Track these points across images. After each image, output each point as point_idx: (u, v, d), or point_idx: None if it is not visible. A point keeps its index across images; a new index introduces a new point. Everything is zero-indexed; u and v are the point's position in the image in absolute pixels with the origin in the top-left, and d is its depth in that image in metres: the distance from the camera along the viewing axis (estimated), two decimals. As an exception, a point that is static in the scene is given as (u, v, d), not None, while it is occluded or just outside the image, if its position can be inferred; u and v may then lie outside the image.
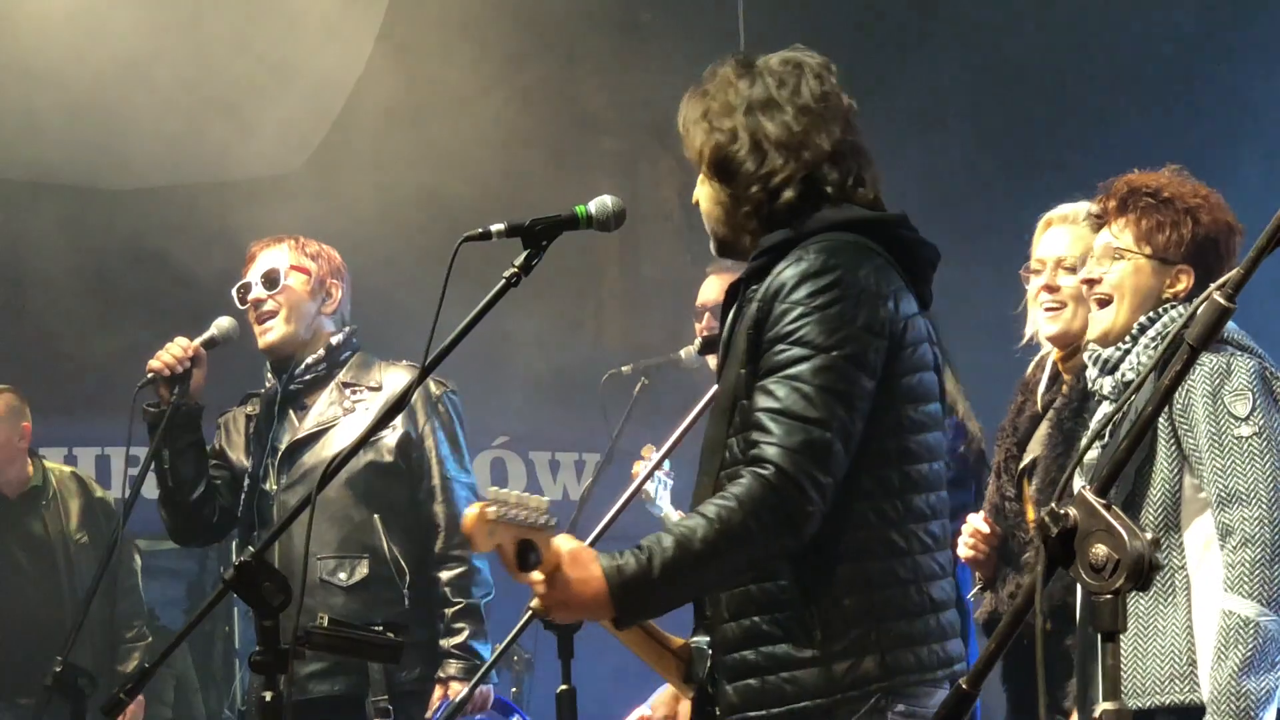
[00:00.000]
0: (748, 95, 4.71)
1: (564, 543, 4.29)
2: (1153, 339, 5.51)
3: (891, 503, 4.64)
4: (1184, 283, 5.55)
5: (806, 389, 4.43)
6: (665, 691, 5.11)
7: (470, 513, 4.12)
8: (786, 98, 4.70)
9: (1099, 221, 5.70)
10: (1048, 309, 5.80)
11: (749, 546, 4.37)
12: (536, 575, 4.23)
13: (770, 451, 4.38)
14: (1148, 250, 5.55)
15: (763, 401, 4.47)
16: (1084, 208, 6.05)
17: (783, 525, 4.37)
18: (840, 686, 4.54)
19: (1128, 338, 5.56)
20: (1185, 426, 5.38)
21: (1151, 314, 5.55)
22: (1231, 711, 5.16)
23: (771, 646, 4.58)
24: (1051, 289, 5.87)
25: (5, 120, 10.91)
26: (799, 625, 4.56)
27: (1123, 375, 5.53)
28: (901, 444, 4.65)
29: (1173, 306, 5.53)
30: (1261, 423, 5.31)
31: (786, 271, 4.53)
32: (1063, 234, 6.03)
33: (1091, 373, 5.72)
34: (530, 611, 5.67)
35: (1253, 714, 5.17)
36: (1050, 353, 6.15)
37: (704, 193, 4.82)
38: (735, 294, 4.82)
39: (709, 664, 4.71)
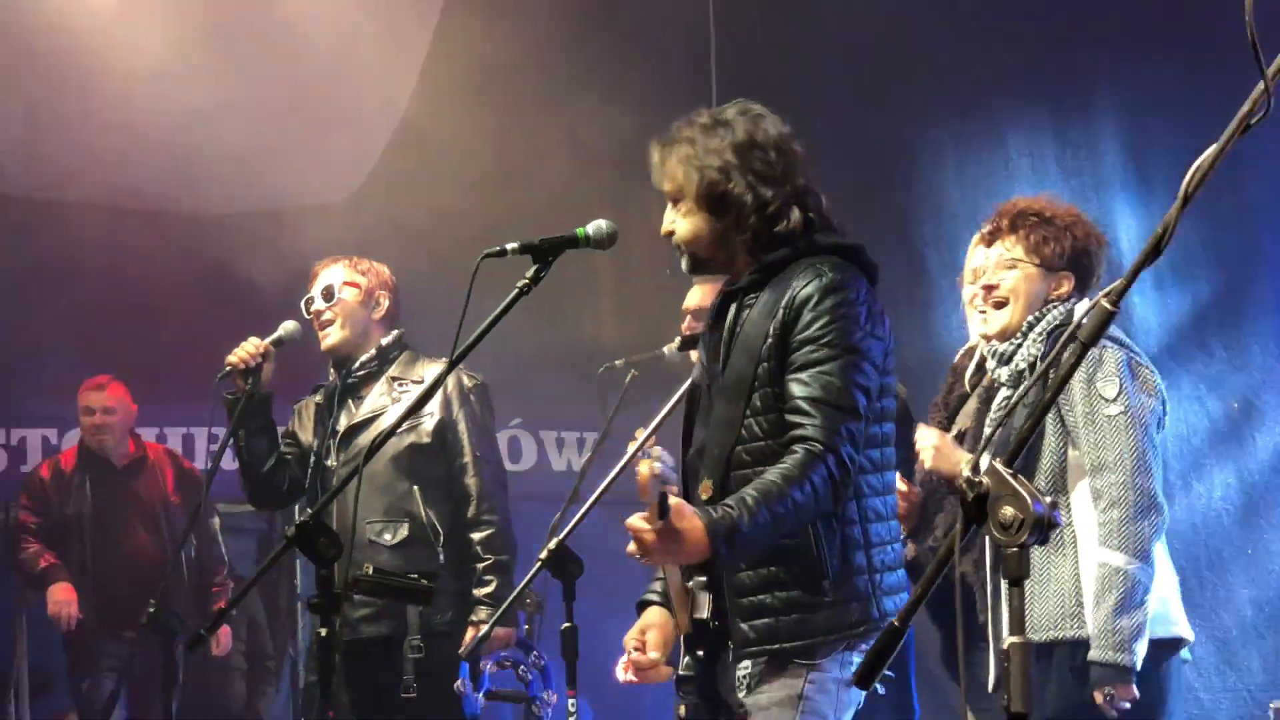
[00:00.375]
0: (732, 140, 4.73)
1: (680, 501, 4.35)
2: (1039, 334, 5.60)
3: (877, 476, 4.75)
4: (1066, 286, 5.68)
5: (838, 382, 4.53)
6: (654, 614, 5.03)
7: (652, 468, 4.18)
8: (763, 140, 4.75)
9: (991, 238, 5.78)
10: (982, 310, 5.84)
11: (811, 509, 4.46)
12: (659, 524, 4.27)
13: (816, 433, 4.47)
14: (1036, 260, 5.66)
15: (801, 391, 4.54)
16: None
17: (833, 493, 4.49)
18: (845, 625, 4.61)
19: (1019, 334, 5.66)
20: (1066, 407, 5.48)
21: (1038, 313, 5.65)
22: (1110, 645, 5.24)
23: (787, 592, 4.61)
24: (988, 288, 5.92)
25: (112, 160, 10.90)
26: (811, 575, 4.59)
27: (1016, 365, 5.63)
28: (882, 430, 4.76)
29: (1054, 306, 5.64)
30: (1127, 403, 5.43)
31: (809, 286, 4.59)
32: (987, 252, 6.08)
33: (991, 364, 5.82)
34: (540, 562, 5.73)
35: (1127, 647, 5.23)
36: (978, 343, 6.17)
37: (688, 223, 4.80)
38: (727, 299, 4.85)
39: (711, 605, 4.69)
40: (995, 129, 11.48)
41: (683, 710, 4.82)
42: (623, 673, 6.52)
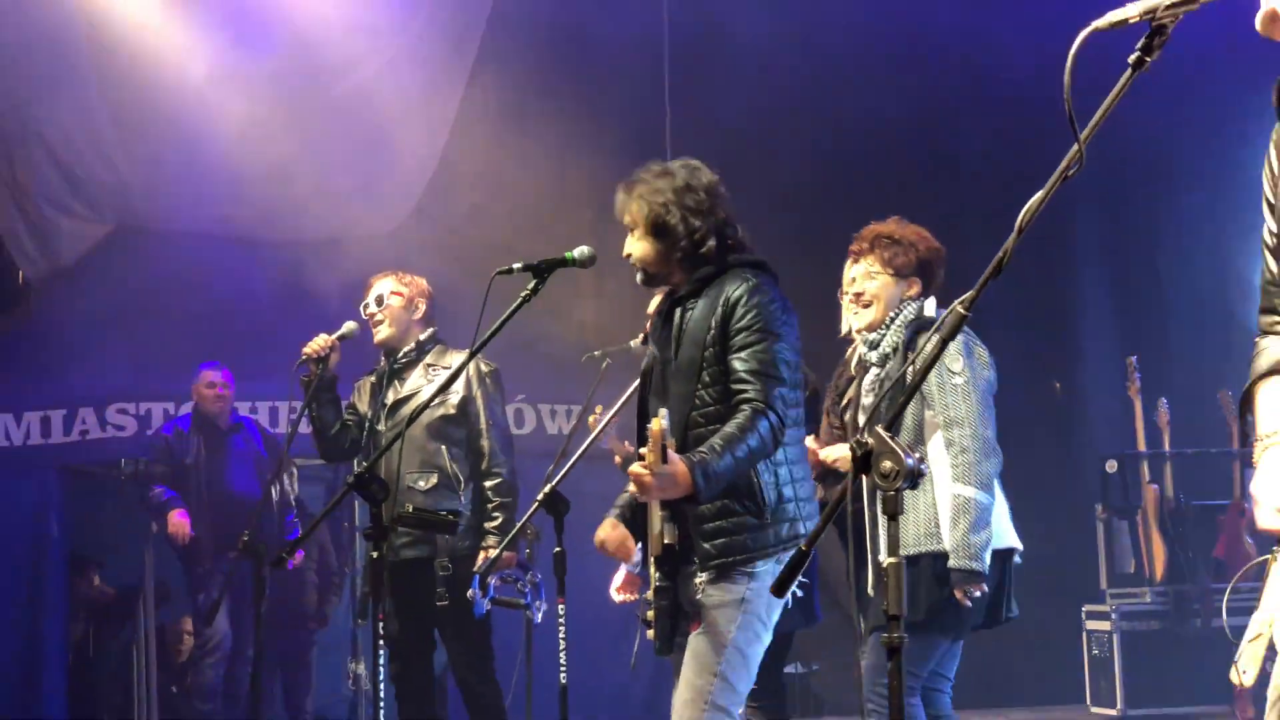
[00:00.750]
0: (673, 185, 4.86)
1: (673, 451, 4.49)
2: (899, 325, 5.72)
3: (795, 431, 4.83)
4: (915, 288, 5.78)
5: (769, 358, 4.69)
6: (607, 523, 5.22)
7: (661, 425, 4.39)
8: (696, 186, 4.86)
9: (857, 256, 5.85)
10: (855, 311, 5.90)
11: (759, 452, 4.62)
12: (659, 462, 4.40)
13: (758, 395, 4.63)
14: (890, 271, 5.76)
15: (742, 366, 4.68)
16: None
17: (772, 440, 4.63)
18: (778, 542, 4.72)
19: (882, 327, 5.76)
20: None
21: (895, 311, 5.75)
22: (965, 555, 5.34)
23: (738, 518, 4.70)
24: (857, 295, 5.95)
25: (213, 198, 10.88)
26: (754, 504, 4.70)
27: (883, 350, 5.73)
28: (797, 396, 4.83)
29: (908, 304, 5.76)
30: (968, 375, 5.54)
31: (740, 289, 4.76)
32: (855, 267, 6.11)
33: (863, 349, 5.91)
34: (537, 503, 5.79)
35: (978, 556, 5.36)
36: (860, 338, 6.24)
37: (639, 247, 4.92)
38: (673, 305, 4.94)
39: (672, 534, 4.74)
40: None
41: (649, 615, 4.85)
42: (616, 594, 6.59)
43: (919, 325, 5.67)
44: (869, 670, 5.55)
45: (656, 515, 4.72)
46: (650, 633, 4.88)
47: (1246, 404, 2.95)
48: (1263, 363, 2.93)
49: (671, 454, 4.44)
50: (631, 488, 4.61)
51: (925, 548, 5.47)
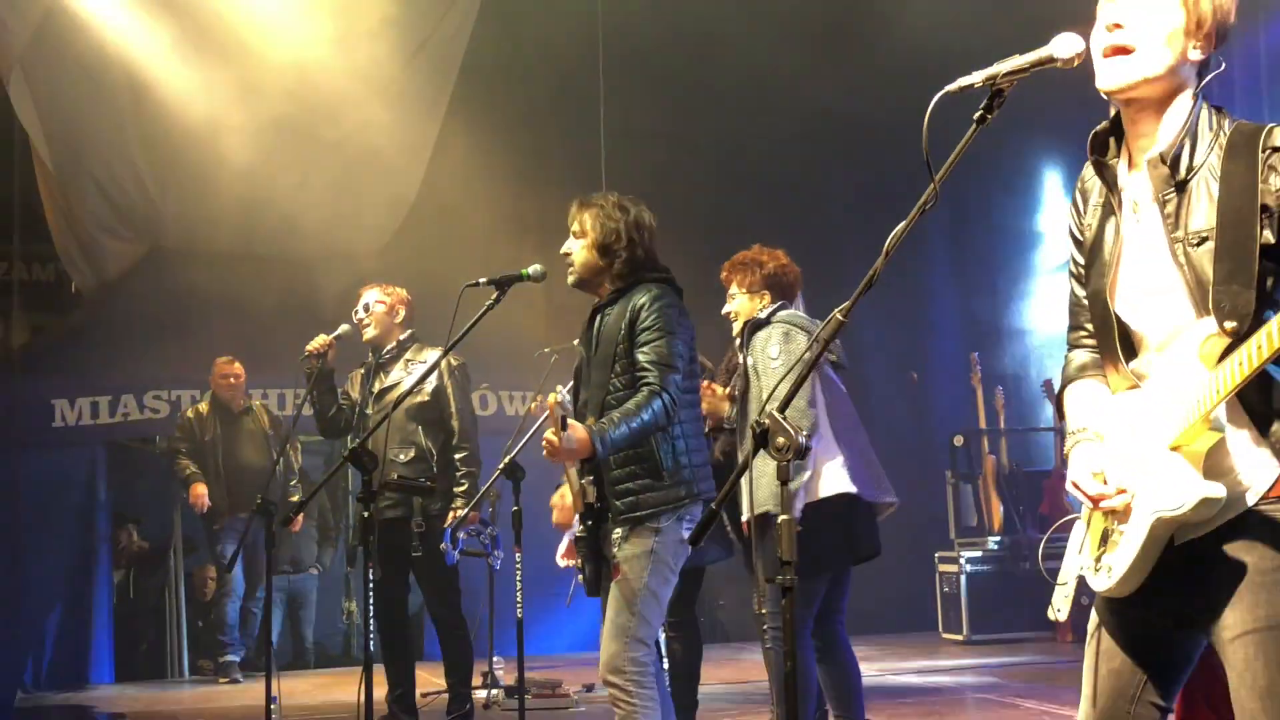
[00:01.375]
0: (626, 218, 4.92)
1: (572, 420, 4.60)
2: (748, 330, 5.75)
3: (690, 410, 4.88)
4: (767, 299, 5.79)
5: (665, 350, 4.73)
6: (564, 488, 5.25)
7: (555, 399, 4.63)
8: (641, 223, 4.94)
9: (727, 280, 5.93)
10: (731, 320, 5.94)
11: (652, 424, 4.65)
12: (559, 431, 4.48)
13: (654, 380, 4.68)
14: (744, 289, 5.83)
15: (643, 357, 4.73)
16: None
17: (665, 415, 4.67)
18: (676, 499, 4.73)
19: (742, 333, 5.78)
20: (756, 363, 5.66)
21: (753, 319, 5.75)
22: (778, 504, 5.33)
23: (642, 480, 4.72)
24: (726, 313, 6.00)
25: (231, 222, 10.81)
26: (655, 469, 4.73)
27: (749, 353, 5.72)
28: (692, 383, 4.91)
29: (764, 311, 5.74)
30: (782, 359, 5.55)
31: (643, 298, 4.81)
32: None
33: (737, 344, 5.92)
34: (500, 469, 5.79)
35: (788, 505, 5.38)
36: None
37: (581, 255, 4.94)
38: (595, 312, 4.97)
39: (595, 494, 4.80)
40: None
41: (579, 563, 4.91)
42: (561, 561, 6.62)
43: (754, 324, 5.72)
44: (769, 608, 5.54)
45: (574, 477, 4.83)
46: (581, 577, 4.95)
47: (1059, 405, 2.99)
48: (1070, 371, 2.95)
49: (572, 423, 4.57)
50: (545, 451, 4.61)
51: (771, 507, 5.39)
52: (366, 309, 7.10)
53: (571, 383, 5.19)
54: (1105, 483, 2.73)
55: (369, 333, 7.10)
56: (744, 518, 5.65)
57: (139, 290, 10.70)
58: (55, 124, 10.26)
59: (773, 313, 5.75)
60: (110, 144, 10.51)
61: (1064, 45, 2.64)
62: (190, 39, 10.22)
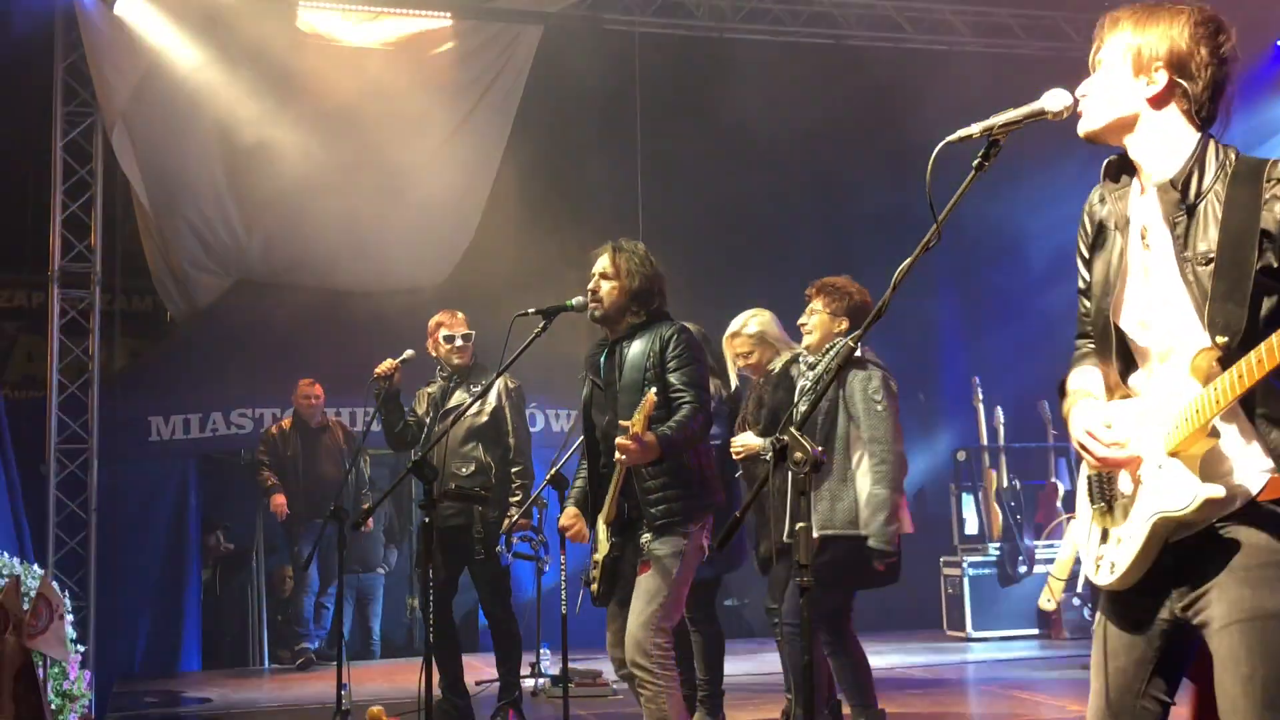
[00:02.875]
0: (655, 268, 5.06)
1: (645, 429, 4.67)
2: (830, 355, 5.55)
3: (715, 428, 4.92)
4: (843, 326, 5.63)
5: (696, 376, 4.87)
6: (568, 510, 5.22)
7: (651, 396, 4.67)
8: (662, 273, 5.08)
9: (808, 298, 5.80)
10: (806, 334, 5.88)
11: (695, 437, 4.80)
12: (635, 441, 4.59)
13: (692, 399, 4.80)
14: (828, 311, 5.68)
15: (678, 380, 4.84)
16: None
17: (704, 431, 4.82)
18: (702, 508, 4.85)
19: (820, 351, 5.63)
20: (853, 404, 5.49)
21: (830, 343, 5.61)
22: (881, 540, 5.38)
23: (673, 490, 4.81)
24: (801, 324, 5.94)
25: (309, 258, 10.86)
26: (684, 482, 4.82)
27: (816, 370, 5.60)
28: (714, 402, 4.95)
29: (839, 338, 5.59)
30: (884, 404, 5.45)
31: (669, 331, 4.94)
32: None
33: (801, 368, 5.81)
34: (546, 479, 5.81)
35: (891, 540, 5.38)
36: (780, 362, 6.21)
37: (613, 296, 5.01)
38: (614, 345, 5.05)
39: (628, 504, 4.85)
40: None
41: (594, 574, 4.99)
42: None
43: (850, 359, 5.48)
44: (789, 607, 5.55)
45: (615, 493, 4.86)
46: (593, 588, 5.02)
47: (1061, 388, 2.97)
48: (1073, 361, 2.96)
49: (646, 432, 4.64)
50: (619, 455, 4.68)
51: (848, 531, 5.43)
52: (458, 339, 7.05)
53: (576, 412, 5.26)
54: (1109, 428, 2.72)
55: (460, 358, 7.04)
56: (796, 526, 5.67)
57: (226, 319, 10.77)
58: (152, 171, 10.35)
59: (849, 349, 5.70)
60: (202, 188, 10.59)
61: (1054, 100, 2.69)
62: (273, 93, 10.30)
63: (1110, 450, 2.69)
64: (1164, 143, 2.73)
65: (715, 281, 10.06)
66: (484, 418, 6.93)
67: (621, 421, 4.72)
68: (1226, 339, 2.53)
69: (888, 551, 5.38)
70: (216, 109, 10.27)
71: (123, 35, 9.73)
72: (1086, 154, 2.91)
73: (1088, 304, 2.91)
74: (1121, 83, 2.74)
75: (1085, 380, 2.87)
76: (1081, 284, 2.94)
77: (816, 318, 5.72)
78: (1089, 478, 2.82)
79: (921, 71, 10.92)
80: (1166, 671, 2.74)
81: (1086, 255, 2.90)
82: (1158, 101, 2.72)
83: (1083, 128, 2.78)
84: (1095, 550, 2.78)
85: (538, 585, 8.46)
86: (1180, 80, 2.71)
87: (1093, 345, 2.89)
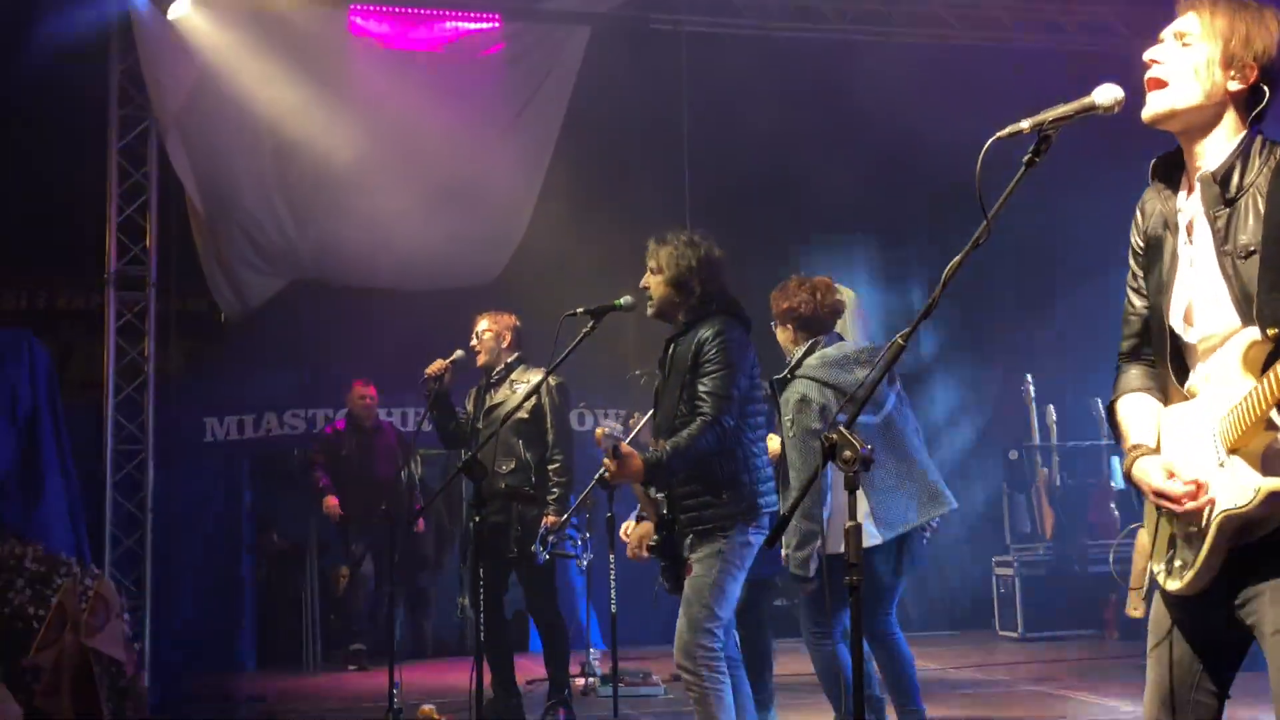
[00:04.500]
0: (697, 254, 4.94)
1: (627, 447, 4.64)
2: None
3: (753, 433, 4.88)
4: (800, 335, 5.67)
5: (721, 382, 4.69)
6: (633, 522, 5.21)
7: (601, 431, 4.58)
8: (711, 259, 4.94)
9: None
10: None
11: (705, 451, 4.65)
12: (614, 460, 4.56)
13: (709, 410, 4.67)
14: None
15: (702, 388, 4.71)
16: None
17: (719, 441, 4.66)
18: (737, 514, 4.74)
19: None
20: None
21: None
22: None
23: (704, 498, 4.75)
24: None
25: (360, 260, 10.91)
26: (715, 488, 4.74)
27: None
28: (756, 407, 4.91)
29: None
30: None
31: (708, 332, 4.81)
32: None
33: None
34: (596, 480, 5.80)
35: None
36: None
37: (661, 290, 4.97)
38: (670, 341, 5.01)
39: (666, 507, 4.83)
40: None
41: (662, 566, 4.95)
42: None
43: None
44: (806, 614, 5.53)
45: (642, 493, 4.89)
46: (662, 579, 4.99)
47: (1111, 417, 2.93)
48: (1121, 385, 2.89)
49: (627, 449, 4.62)
50: (603, 472, 4.72)
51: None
52: (478, 336, 7.12)
53: (624, 412, 5.24)
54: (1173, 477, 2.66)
55: (481, 357, 7.11)
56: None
57: (279, 320, 10.84)
58: (206, 173, 10.43)
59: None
60: (254, 191, 10.65)
61: (1104, 94, 2.65)
62: (323, 98, 10.33)
63: (1188, 500, 2.62)
64: (1220, 138, 2.69)
65: (766, 281, 10.01)
66: (525, 415, 6.94)
67: (600, 431, 4.75)
68: (1278, 330, 2.49)
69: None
70: (268, 113, 10.33)
71: (177, 40, 9.81)
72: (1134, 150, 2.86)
73: (1138, 302, 2.87)
74: (1212, 71, 2.67)
75: (1137, 417, 2.81)
76: (1131, 280, 2.90)
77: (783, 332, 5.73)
78: None
79: (971, 67, 10.82)
80: (1222, 666, 2.72)
81: (1139, 250, 2.86)
82: (1236, 98, 2.68)
83: (1159, 106, 2.70)
84: (1164, 555, 2.75)
85: (588, 584, 8.45)
86: (1264, 85, 2.67)
87: (1142, 349, 2.86)
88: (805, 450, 5.33)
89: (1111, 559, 9.96)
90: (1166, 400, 2.79)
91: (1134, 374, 2.88)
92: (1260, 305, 2.52)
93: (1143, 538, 2.68)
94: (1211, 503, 2.59)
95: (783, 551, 5.31)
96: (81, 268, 10.84)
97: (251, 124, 10.39)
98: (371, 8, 10.29)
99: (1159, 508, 2.72)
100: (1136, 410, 2.82)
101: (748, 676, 6.27)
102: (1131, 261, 2.89)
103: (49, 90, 9.61)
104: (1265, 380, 2.46)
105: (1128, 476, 2.78)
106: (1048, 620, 10.34)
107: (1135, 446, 2.76)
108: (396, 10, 10.40)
